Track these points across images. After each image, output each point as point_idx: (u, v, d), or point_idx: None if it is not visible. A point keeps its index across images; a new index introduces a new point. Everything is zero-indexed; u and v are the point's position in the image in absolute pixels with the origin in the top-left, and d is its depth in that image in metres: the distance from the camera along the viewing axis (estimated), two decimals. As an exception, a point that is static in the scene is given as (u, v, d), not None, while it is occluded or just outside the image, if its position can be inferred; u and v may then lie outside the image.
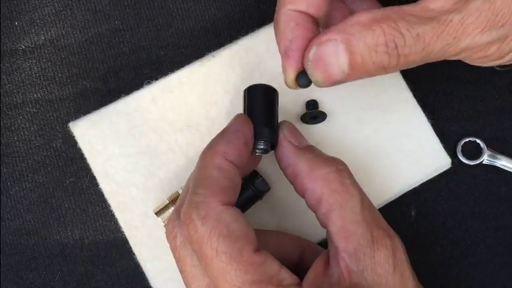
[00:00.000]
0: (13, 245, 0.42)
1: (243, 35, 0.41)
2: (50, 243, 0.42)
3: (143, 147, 0.40)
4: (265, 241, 0.35)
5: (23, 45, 0.43)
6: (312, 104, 0.40)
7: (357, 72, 0.31)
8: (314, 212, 0.34)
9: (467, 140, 0.42)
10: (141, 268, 0.40)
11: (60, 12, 0.43)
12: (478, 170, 0.42)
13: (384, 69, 0.32)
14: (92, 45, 0.43)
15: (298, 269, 0.34)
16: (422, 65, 0.33)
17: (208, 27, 0.43)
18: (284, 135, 0.35)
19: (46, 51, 0.43)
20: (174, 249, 0.33)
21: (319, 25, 0.34)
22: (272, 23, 0.36)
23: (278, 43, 0.34)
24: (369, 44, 0.30)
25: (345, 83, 0.33)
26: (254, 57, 0.41)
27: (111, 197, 0.40)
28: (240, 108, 0.37)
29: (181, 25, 0.43)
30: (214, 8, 0.43)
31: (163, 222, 0.38)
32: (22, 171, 0.42)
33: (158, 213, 0.38)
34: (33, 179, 0.42)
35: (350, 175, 0.34)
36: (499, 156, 0.42)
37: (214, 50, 0.41)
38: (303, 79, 0.33)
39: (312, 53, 0.32)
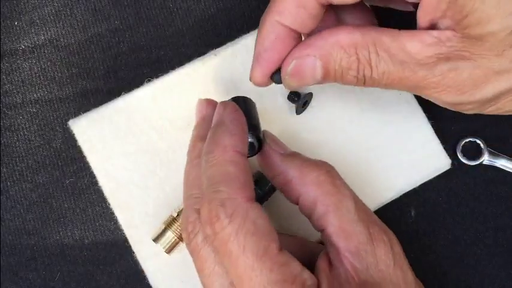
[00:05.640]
0: (13, 245, 0.42)
1: (243, 35, 0.41)
2: (50, 243, 0.42)
3: (143, 145, 0.40)
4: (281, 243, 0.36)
5: (23, 45, 0.43)
6: (294, 94, 0.40)
7: (326, 81, 0.34)
8: (308, 217, 0.34)
9: (467, 140, 0.42)
10: (140, 267, 0.40)
11: (60, 12, 0.43)
12: (478, 170, 0.42)
13: (351, 84, 0.34)
14: (92, 45, 0.43)
15: None
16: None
17: (208, 26, 0.43)
18: (269, 145, 0.36)
19: (46, 51, 0.43)
20: (194, 248, 0.33)
21: (302, 36, 0.35)
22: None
23: (255, 45, 0.35)
24: (342, 66, 0.33)
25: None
26: (255, 56, 0.40)
27: (111, 195, 0.40)
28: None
29: (181, 24, 0.43)
30: (214, 7, 0.43)
31: (162, 247, 0.38)
32: (22, 171, 0.42)
33: (156, 239, 0.38)
34: (33, 179, 0.42)
35: (339, 176, 0.34)
36: (499, 156, 0.42)
37: (214, 50, 0.41)
38: (277, 77, 0.35)
39: (291, 67, 0.34)
